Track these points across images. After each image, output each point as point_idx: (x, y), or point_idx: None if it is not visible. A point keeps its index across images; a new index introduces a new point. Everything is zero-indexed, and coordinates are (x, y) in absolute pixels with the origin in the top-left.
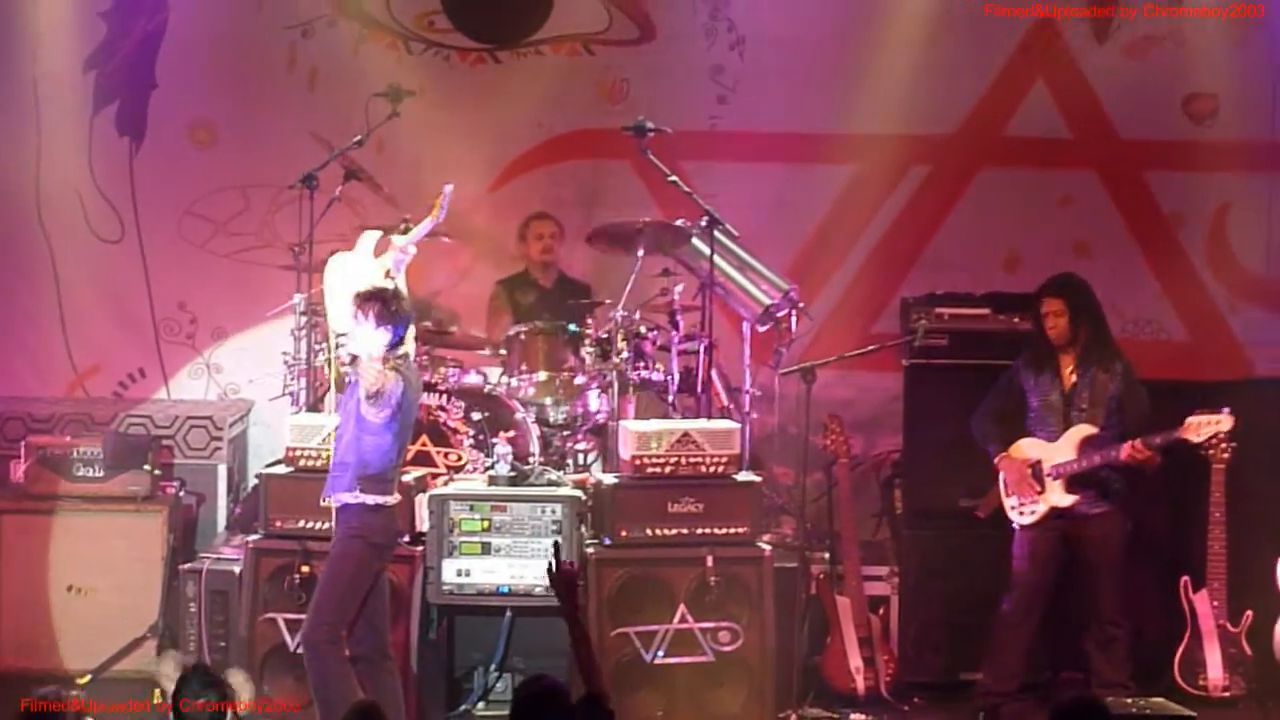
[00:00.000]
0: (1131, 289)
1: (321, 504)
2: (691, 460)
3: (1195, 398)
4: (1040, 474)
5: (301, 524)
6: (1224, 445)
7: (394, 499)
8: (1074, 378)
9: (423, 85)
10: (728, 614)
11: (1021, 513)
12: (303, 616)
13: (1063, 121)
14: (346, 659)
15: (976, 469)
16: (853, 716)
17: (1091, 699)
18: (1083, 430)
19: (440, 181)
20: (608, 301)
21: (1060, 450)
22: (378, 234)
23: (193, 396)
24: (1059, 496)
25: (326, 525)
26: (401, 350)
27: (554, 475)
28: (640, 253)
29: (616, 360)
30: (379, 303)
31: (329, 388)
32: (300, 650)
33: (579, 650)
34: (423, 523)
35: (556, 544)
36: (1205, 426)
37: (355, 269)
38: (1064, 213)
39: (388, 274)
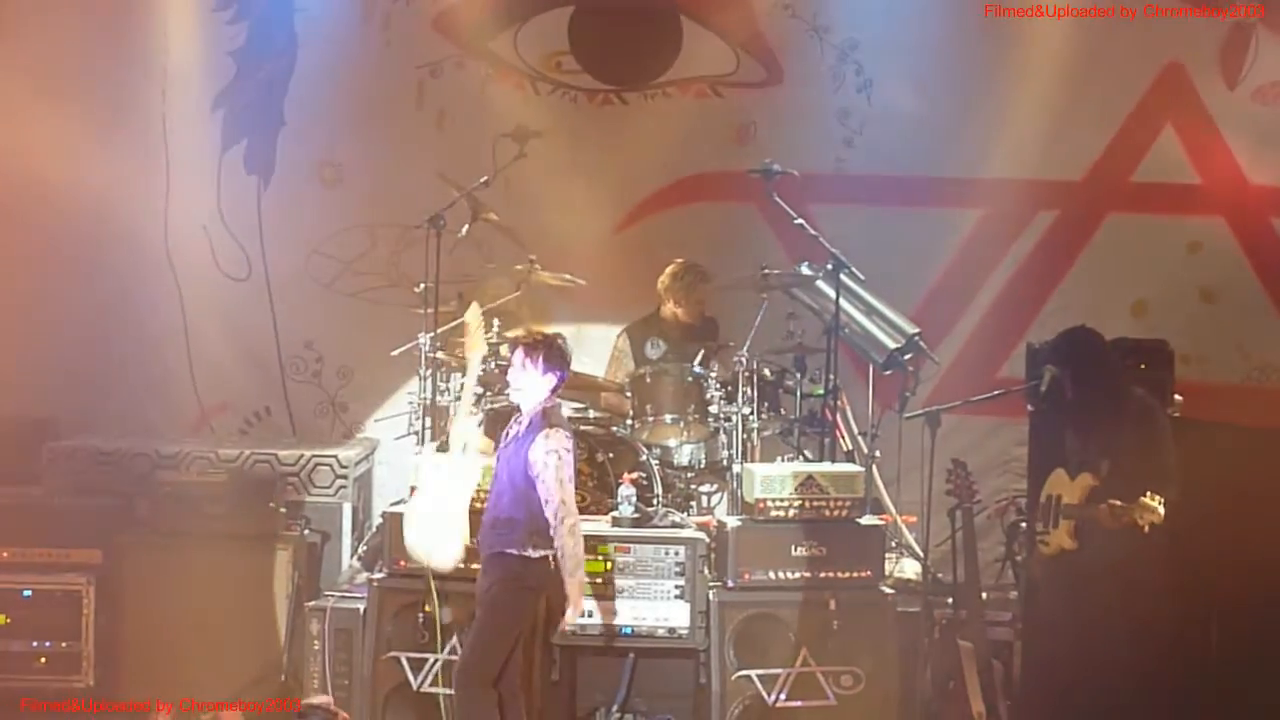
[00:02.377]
0: (1259, 335)
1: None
2: (815, 503)
3: None
4: (1055, 510)
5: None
6: None
7: (553, 550)
8: (1086, 425)
9: (549, 126)
10: (850, 658)
11: (1042, 542)
12: (426, 655)
13: (1191, 167)
14: (496, 703)
15: None
16: None
17: None
18: (1087, 478)
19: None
20: (732, 344)
21: (1072, 491)
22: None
23: (318, 434)
24: (1066, 539)
25: None
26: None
27: (677, 517)
28: (764, 297)
29: (741, 403)
30: (545, 347)
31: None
32: (425, 689)
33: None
34: None
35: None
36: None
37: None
38: (1192, 258)
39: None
